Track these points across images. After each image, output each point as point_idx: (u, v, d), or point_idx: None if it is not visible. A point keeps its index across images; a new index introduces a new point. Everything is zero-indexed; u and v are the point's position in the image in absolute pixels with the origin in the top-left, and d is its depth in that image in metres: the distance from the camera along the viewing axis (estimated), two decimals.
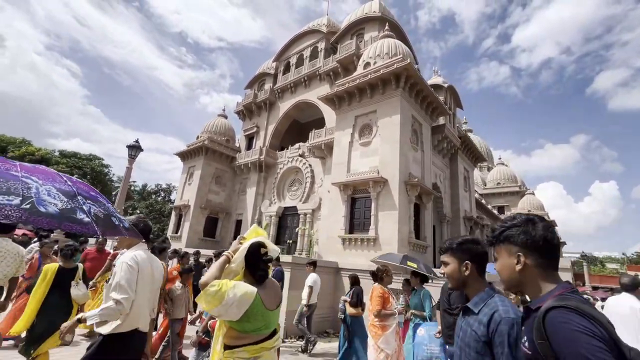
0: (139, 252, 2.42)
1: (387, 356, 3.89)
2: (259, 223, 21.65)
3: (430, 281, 5.32)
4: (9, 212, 1.53)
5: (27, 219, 1.58)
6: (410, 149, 13.11)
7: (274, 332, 1.94)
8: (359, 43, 18.68)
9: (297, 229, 18.67)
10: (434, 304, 4.48)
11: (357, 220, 12.79)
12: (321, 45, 21.73)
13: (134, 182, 60.08)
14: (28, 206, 1.64)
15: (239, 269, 1.96)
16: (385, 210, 11.85)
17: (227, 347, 1.79)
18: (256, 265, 1.97)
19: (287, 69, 23.80)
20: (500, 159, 46.40)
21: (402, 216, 11.58)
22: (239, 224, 22.77)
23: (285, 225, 20.60)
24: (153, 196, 51.99)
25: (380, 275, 4.38)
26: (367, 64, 14.53)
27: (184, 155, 24.38)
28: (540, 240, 1.14)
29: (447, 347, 3.66)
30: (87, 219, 1.76)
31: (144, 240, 2.58)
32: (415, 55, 21.42)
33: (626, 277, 4.04)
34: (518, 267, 1.16)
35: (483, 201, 34.85)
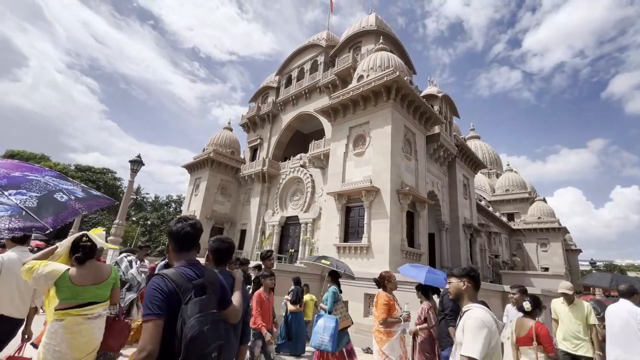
0: (7, 254, 2.94)
1: None
2: (263, 232, 22.16)
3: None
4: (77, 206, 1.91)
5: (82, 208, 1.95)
6: (403, 158, 13.40)
7: (91, 303, 2.48)
8: (355, 56, 19.26)
9: (299, 238, 19.02)
10: (338, 299, 4.77)
11: (352, 229, 13.08)
12: (321, 59, 22.42)
13: (146, 194, 61.94)
14: (80, 195, 2.04)
15: (63, 253, 2.61)
16: (377, 219, 12.12)
17: (55, 309, 2.42)
18: (75, 249, 2.55)
19: (289, 82, 24.57)
20: (508, 165, 45.82)
21: (393, 224, 11.81)
22: (243, 233, 23.30)
23: (288, 234, 20.98)
24: (165, 207, 53.34)
25: (382, 282, 4.35)
26: (361, 77, 15.02)
27: (191, 167, 25.25)
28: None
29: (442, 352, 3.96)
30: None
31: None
32: (413, 66, 21.89)
33: (623, 285, 4.39)
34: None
35: (490, 208, 34.48)
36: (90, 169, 30.22)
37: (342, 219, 13.34)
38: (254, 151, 25.40)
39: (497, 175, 45.80)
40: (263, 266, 5.82)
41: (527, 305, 3.63)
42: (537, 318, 3.67)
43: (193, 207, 23.63)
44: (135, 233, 37.17)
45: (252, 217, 22.77)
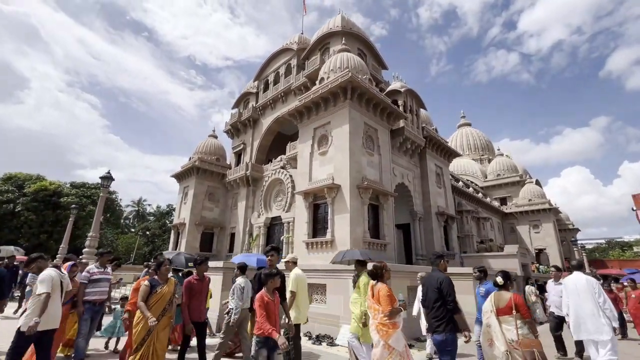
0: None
1: (398, 354, 3.73)
2: (250, 234, 22.95)
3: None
4: None
5: None
6: (364, 154, 14.03)
7: None
8: (324, 57, 19.85)
9: (282, 237, 19.75)
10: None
11: (319, 225, 13.78)
12: (294, 62, 23.06)
13: (148, 205, 63.24)
14: None
15: None
16: (339, 214, 12.79)
17: None
18: None
19: (266, 87, 25.27)
20: (499, 150, 46.02)
21: (354, 218, 12.48)
22: (232, 236, 24.13)
23: (274, 234, 21.71)
24: (166, 216, 54.50)
25: (380, 273, 4.14)
26: (322, 79, 15.64)
27: (179, 177, 26.14)
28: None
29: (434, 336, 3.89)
30: None
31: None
32: (383, 61, 22.40)
33: (574, 260, 6.21)
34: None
35: (480, 195, 34.84)
36: (85, 184, 31.26)
37: (310, 217, 14.04)
38: (239, 156, 26.18)
39: (489, 161, 46.02)
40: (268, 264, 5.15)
41: (499, 279, 4.23)
42: (511, 290, 4.24)
43: (183, 215, 24.52)
44: (135, 244, 38.28)
45: (239, 220, 23.57)
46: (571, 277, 5.34)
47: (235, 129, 26.86)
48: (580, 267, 5.60)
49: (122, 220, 58.52)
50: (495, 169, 42.18)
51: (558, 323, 6.77)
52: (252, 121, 25.35)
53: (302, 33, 26.64)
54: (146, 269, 7.97)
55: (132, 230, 49.91)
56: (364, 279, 4.83)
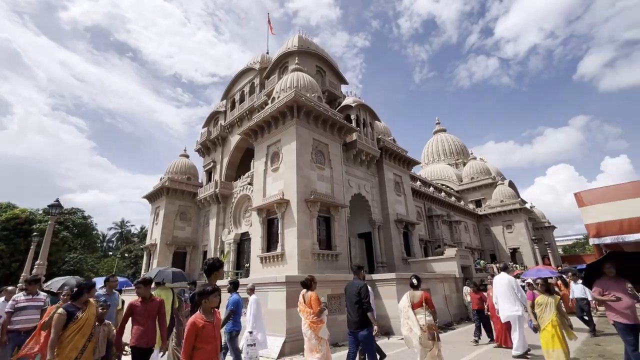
0: None
1: (325, 342, 5.03)
2: (222, 251, 23.20)
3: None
4: None
5: None
6: (313, 169, 14.64)
7: None
8: (282, 76, 20.63)
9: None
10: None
11: (272, 240, 14.22)
12: (257, 81, 23.86)
13: (132, 225, 62.65)
14: None
15: None
16: (288, 228, 13.29)
17: None
18: None
19: (233, 105, 25.95)
20: (472, 153, 47.35)
21: (302, 231, 12.98)
22: (205, 254, 24.29)
23: (244, 250, 21.99)
24: None
25: (309, 283, 5.39)
26: (274, 99, 16.35)
27: (150, 198, 26.35)
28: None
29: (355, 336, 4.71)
30: None
31: None
32: (342, 77, 23.33)
33: (501, 263, 7.96)
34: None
35: (453, 199, 35.74)
36: (62, 209, 31.09)
37: (264, 232, 14.50)
38: (209, 174, 26.57)
39: (464, 165, 47.26)
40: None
41: (414, 281, 5.47)
42: (420, 289, 5.50)
43: (155, 236, 24.64)
44: (115, 267, 37.86)
45: (211, 238, 23.81)
46: (498, 276, 7.12)
47: (205, 148, 27.34)
48: (505, 268, 7.36)
49: (104, 244, 57.90)
50: (469, 172, 43.37)
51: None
52: (221, 139, 25.88)
53: (267, 52, 27.57)
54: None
55: (110, 253, 49.26)
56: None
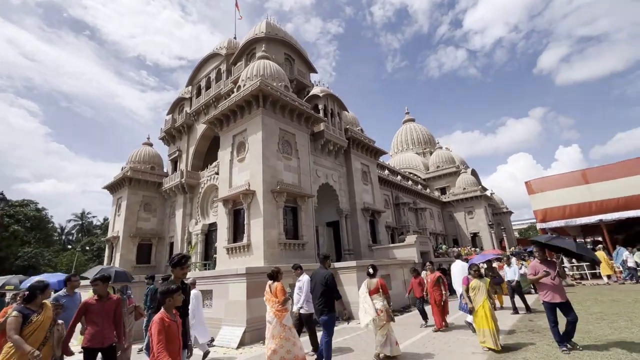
0: None
1: (289, 328, 5.28)
2: (189, 242, 22.75)
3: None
4: None
5: None
6: (280, 159, 14.62)
7: None
8: (249, 63, 20.11)
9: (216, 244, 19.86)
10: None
11: (239, 230, 14.17)
12: (223, 67, 23.06)
13: (94, 217, 59.42)
14: None
15: None
16: (254, 218, 13.29)
17: None
18: None
19: (199, 92, 24.99)
20: (438, 143, 49.19)
21: (268, 221, 13.04)
22: (172, 246, 23.71)
23: (212, 241, 21.67)
24: None
25: (275, 275, 5.69)
26: (239, 87, 15.97)
27: (111, 188, 25.10)
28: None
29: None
30: None
31: None
32: (312, 65, 23.15)
33: (455, 252, 12.43)
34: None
35: (419, 187, 37.11)
36: (8, 202, 28.86)
37: (231, 222, 14.40)
38: (175, 164, 25.66)
39: (431, 154, 49.06)
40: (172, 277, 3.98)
41: (370, 270, 6.00)
42: (378, 276, 5.99)
43: (117, 228, 23.64)
44: (75, 261, 35.90)
45: (177, 229, 23.22)
46: (454, 263, 8.30)
47: (170, 136, 26.27)
48: (459, 256, 8.55)
49: (62, 237, 54.57)
50: (436, 161, 45.12)
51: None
52: (186, 127, 24.97)
53: (234, 37, 26.64)
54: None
55: (78, 246, 46.64)
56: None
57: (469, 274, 6.18)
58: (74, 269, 35.94)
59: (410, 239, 14.39)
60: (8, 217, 26.59)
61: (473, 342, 5.89)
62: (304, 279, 5.96)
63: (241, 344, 6.94)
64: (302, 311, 5.90)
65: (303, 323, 6.07)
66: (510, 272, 8.89)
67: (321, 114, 17.84)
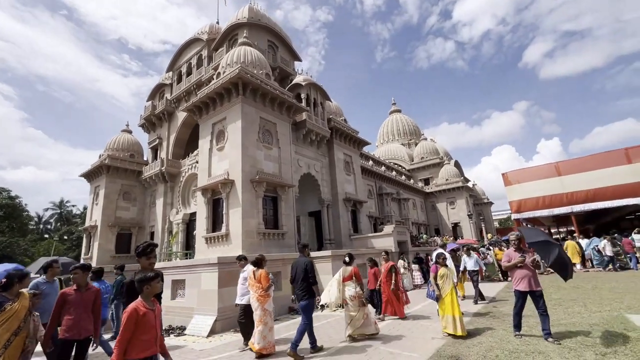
0: None
1: (270, 314, 5.54)
2: (170, 232, 22.48)
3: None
4: None
5: None
6: (260, 148, 14.49)
7: None
8: (230, 49, 19.62)
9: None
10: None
11: (218, 220, 14.08)
12: (204, 53, 22.44)
13: (73, 205, 57.83)
14: None
15: None
16: (233, 208, 13.22)
17: None
18: None
19: (179, 78, 24.31)
20: (423, 134, 49.72)
21: (246, 211, 12.99)
22: (152, 235, 23.38)
23: (193, 230, 21.41)
24: None
25: (259, 262, 5.87)
26: (219, 74, 15.61)
27: (88, 176, 24.40)
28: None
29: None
30: None
31: None
32: (296, 52, 22.81)
33: (440, 242, 12.33)
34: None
35: (403, 177, 37.58)
36: None
37: (209, 212, 14.28)
38: (155, 151, 25.09)
39: (416, 145, 49.60)
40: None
41: (346, 259, 6.45)
42: (353, 264, 6.43)
43: (95, 217, 23.10)
44: (53, 250, 35.00)
45: (158, 218, 22.88)
46: (436, 252, 7.84)
47: (150, 123, 25.58)
48: (443, 246, 9.03)
49: (40, 226, 52.97)
50: (420, 152, 45.68)
51: None
52: (167, 114, 24.35)
53: (217, 22, 25.91)
54: None
55: (56, 235, 45.39)
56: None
57: (437, 262, 6.32)
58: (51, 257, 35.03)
59: (388, 228, 14.65)
60: None
61: (435, 329, 6.11)
62: (249, 269, 6.02)
63: (212, 332, 6.99)
64: (243, 302, 6.03)
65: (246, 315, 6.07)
66: (471, 263, 9.00)
67: (304, 104, 17.70)
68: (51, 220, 54.96)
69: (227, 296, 7.48)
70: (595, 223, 27.36)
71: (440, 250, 8.67)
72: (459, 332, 5.37)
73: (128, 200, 23.97)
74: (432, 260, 7.12)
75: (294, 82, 18.54)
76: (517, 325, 5.15)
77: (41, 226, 53.13)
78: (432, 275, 6.28)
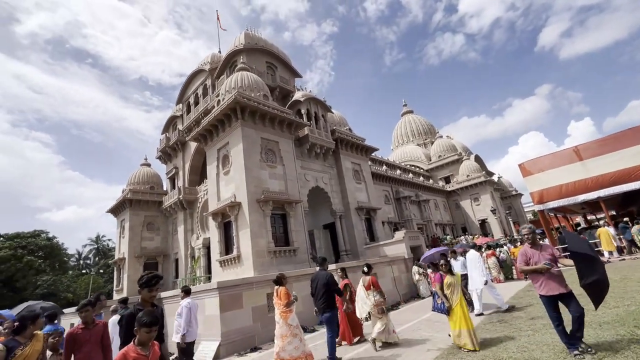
0: None
1: (295, 327, 5.49)
2: (193, 257, 23.13)
3: None
4: None
5: None
6: (264, 168, 14.75)
7: None
8: (231, 75, 20.35)
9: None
10: None
11: (230, 242, 14.34)
12: (209, 82, 23.41)
13: (109, 239, 60.92)
14: None
15: None
16: (242, 229, 13.44)
17: None
18: None
19: (189, 109, 25.44)
20: (438, 132, 48.58)
21: (255, 231, 13.16)
22: (177, 262, 24.16)
23: None
24: None
25: (280, 281, 5.88)
26: (219, 101, 16.20)
27: (114, 211, 25.75)
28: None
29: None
30: None
31: None
32: (296, 70, 23.27)
33: (464, 242, 12.61)
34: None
35: (422, 179, 36.71)
36: (19, 235, 29.96)
37: (221, 235, 14.60)
38: (173, 181, 26.15)
39: (432, 144, 48.46)
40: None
41: (365, 269, 6.72)
42: (371, 274, 6.73)
43: (122, 249, 24.24)
44: (91, 284, 36.92)
45: (181, 245, 23.65)
46: (469, 252, 8.29)
47: (166, 154, 26.80)
48: (474, 246, 9.42)
49: (80, 261, 56.21)
50: (437, 150, 44.56)
51: None
52: (180, 144, 25.43)
53: (219, 52, 27.04)
54: None
55: (83, 271, 47.94)
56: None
57: (441, 269, 5.64)
58: (90, 292, 36.98)
59: (399, 234, 14.27)
60: (21, 248, 27.58)
61: (434, 340, 5.81)
62: (183, 303, 5.95)
63: (216, 357, 7.04)
64: (178, 340, 5.84)
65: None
66: (457, 266, 8.03)
67: (305, 119, 17.91)
68: (90, 256, 58.20)
69: (230, 320, 7.54)
70: (638, 206, 25.17)
71: (441, 251, 8.27)
72: (477, 347, 4.77)
73: (152, 230, 25.00)
74: (440, 263, 6.13)
75: (293, 99, 18.87)
76: (569, 342, 3.93)
77: (81, 262, 56.39)
78: (437, 285, 5.52)
